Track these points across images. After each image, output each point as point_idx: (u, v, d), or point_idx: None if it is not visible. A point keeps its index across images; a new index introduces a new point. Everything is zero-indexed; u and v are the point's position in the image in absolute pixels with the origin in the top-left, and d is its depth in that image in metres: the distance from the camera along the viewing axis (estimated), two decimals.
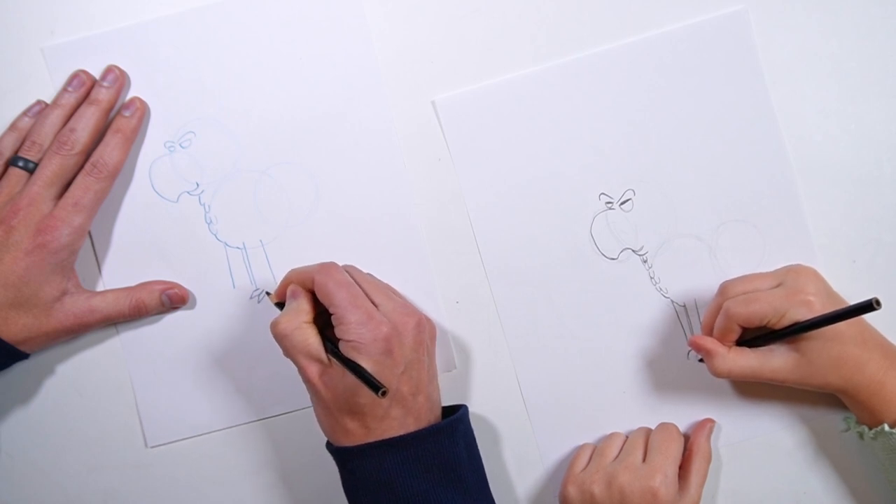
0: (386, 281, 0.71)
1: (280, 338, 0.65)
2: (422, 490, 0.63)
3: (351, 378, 0.62)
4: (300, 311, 0.65)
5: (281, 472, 0.74)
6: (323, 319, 0.66)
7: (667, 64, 0.72)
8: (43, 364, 0.73)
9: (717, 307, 0.69)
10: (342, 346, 0.63)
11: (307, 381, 0.65)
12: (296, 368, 0.65)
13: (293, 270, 0.68)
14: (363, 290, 0.65)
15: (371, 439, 0.64)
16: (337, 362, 0.63)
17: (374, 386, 0.61)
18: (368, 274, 0.70)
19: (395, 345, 0.63)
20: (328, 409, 0.64)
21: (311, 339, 0.64)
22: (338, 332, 0.64)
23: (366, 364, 0.62)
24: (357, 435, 0.64)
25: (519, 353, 0.73)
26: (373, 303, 0.65)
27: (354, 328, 0.63)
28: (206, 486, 0.74)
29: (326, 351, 0.64)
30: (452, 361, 0.73)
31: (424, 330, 0.66)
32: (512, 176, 0.73)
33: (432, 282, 0.73)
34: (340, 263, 0.70)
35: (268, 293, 0.71)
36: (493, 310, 0.73)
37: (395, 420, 0.64)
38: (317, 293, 0.65)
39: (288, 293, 0.67)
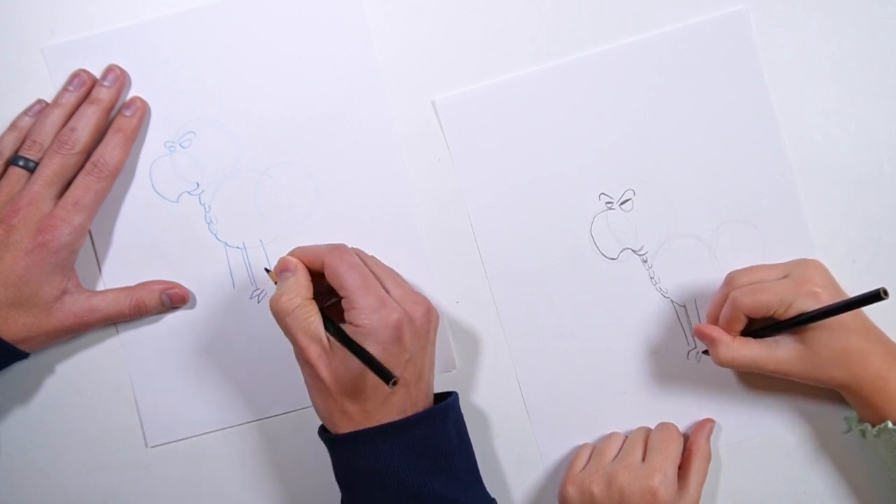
0: None
1: (281, 314, 0.63)
2: (414, 476, 0.63)
3: (355, 362, 0.61)
4: (300, 286, 0.64)
5: (281, 472, 0.74)
6: (319, 298, 0.65)
7: (667, 64, 0.72)
8: (43, 364, 0.73)
9: (722, 297, 0.69)
10: (349, 330, 0.62)
11: (306, 361, 0.63)
12: (293, 353, 0.64)
13: (299, 248, 0.66)
14: (374, 275, 0.65)
15: (368, 423, 0.63)
16: (338, 344, 0.62)
17: (385, 375, 0.59)
18: (372, 257, 0.69)
19: (406, 332, 0.63)
20: (327, 391, 0.63)
21: (312, 317, 0.63)
22: (347, 317, 0.63)
23: (374, 350, 0.61)
24: (355, 419, 0.63)
25: (519, 353, 0.73)
26: (384, 288, 0.64)
27: (366, 313, 0.62)
28: (206, 486, 0.74)
29: (326, 331, 0.63)
30: (452, 361, 0.73)
31: (432, 319, 0.66)
32: (512, 176, 0.73)
33: (432, 282, 0.73)
34: None
35: (266, 270, 0.71)
36: (493, 310, 0.73)
37: (395, 405, 0.63)
38: (327, 275, 0.64)
39: (281, 265, 0.65)
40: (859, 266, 0.72)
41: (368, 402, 0.63)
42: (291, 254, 0.66)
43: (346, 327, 0.63)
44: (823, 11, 0.72)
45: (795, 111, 0.72)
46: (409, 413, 0.64)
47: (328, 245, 0.66)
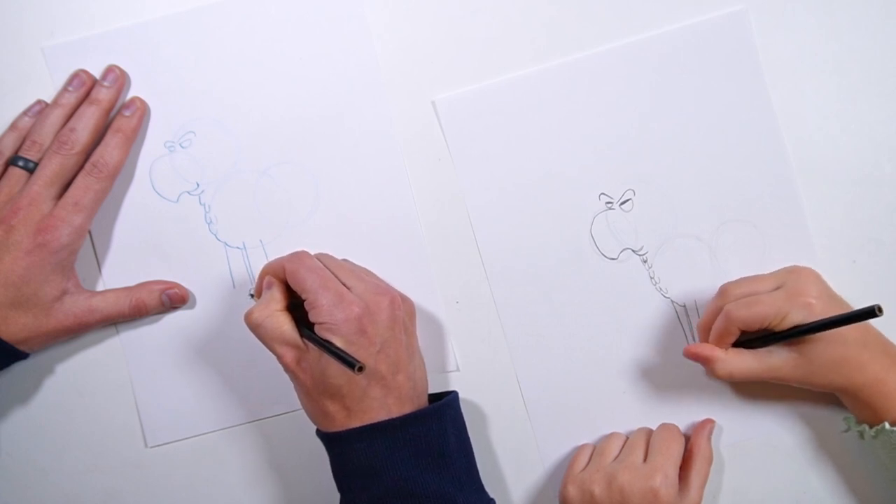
0: (386, 280, 0.71)
1: (253, 327, 0.65)
2: (409, 475, 0.63)
3: (326, 359, 0.63)
4: (272, 299, 0.66)
5: (280, 473, 0.74)
6: (300, 308, 0.66)
7: (667, 64, 0.72)
8: (43, 364, 0.73)
9: (716, 309, 0.68)
10: (317, 330, 0.64)
11: (285, 367, 0.65)
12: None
13: (267, 263, 0.68)
14: (334, 274, 0.66)
15: (353, 421, 0.64)
16: (313, 346, 0.64)
17: (349, 363, 0.61)
18: (344, 260, 0.70)
19: (368, 324, 0.63)
20: (309, 393, 0.65)
21: (284, 325, 0.65)
22: (311, 317, 0.64)
23: (339, 344, 0.62)
24: (339, 418, 0.64)
25: (519, 352, 0.73)
26: (345, 286, 0.65)
27: (326, 310, 0.63)
28: (206, 487, 0.74)
29: (302, 336, 0.65)
30: (453, 361, 0.73)
31: (399, 308, 0.66)
32: (512, 176, 0.73)
33: (432, 282, 0.73)
34: None
35: (251, 294, 0.71)
36: (493, 310, 0.73)
37: (374, 400, 0.64)
38: (288, 280, 0.65)
39: (258, 285, 0.68)
40: (859, 266, 0.72)
41: (346, 399, 0.63)
42: (262, 270, 0.68)
43: (315, 328, 0.64)
44: (823, 11, 0.72)
45: (795, 111, 0.72)
46: (393, 407, 0.64)
47: (290, 253, 0.67)
